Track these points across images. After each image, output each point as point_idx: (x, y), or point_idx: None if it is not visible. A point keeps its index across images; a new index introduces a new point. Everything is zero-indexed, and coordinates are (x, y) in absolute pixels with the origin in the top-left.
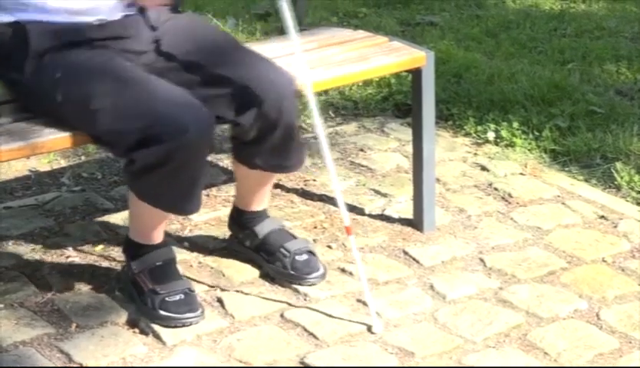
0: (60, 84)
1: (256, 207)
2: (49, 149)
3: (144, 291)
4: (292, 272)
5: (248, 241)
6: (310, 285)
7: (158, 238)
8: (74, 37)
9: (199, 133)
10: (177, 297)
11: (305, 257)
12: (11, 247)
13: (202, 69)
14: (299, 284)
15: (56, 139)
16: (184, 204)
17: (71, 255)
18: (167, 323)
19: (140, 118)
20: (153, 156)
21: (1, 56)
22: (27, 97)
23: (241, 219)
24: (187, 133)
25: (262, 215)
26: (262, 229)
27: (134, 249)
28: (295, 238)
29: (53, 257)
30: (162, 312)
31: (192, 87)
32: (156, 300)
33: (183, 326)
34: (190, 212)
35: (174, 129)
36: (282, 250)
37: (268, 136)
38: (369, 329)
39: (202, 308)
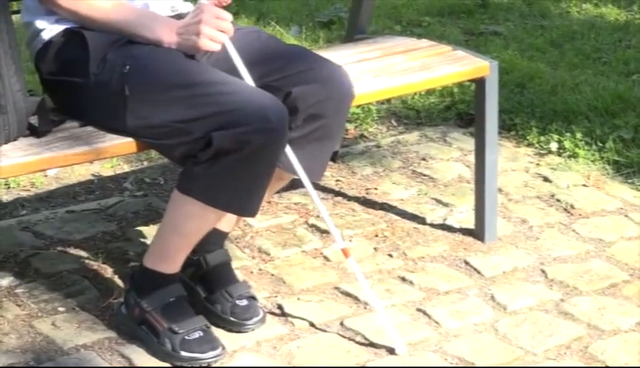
0: (128, 77)
1: (226, 226)
2: (113, 153)
3: (159, 331)
4: (232, 318)
5: (192, 268)
6: (250, 331)
7: (177, 266)
8: None
9: (279, 123)
10: (197, 335)
11: (245, 302)
12: (73, 251)
13: (261, 65)
14: (238, 331)
15: (120, 144)
16: (246, 202)
17: (133, 260)
18: (190, 364)
19: (218, 105)
20: (232, 139)
21: (61, 65)
22: (89, 100)
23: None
24: (269, 121)
25: (222, 239)
26: (214, 258)
27: (145, 283)
28: (236, 278)
29: (115, 261)
30: (184, 353)
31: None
32: (176, 341)
33: (208, 366)
34: (250, 213)
35: (257, 114)
36: (225, 293)
37: (302, 129)
38: (391, 351)
39: (222, 345)
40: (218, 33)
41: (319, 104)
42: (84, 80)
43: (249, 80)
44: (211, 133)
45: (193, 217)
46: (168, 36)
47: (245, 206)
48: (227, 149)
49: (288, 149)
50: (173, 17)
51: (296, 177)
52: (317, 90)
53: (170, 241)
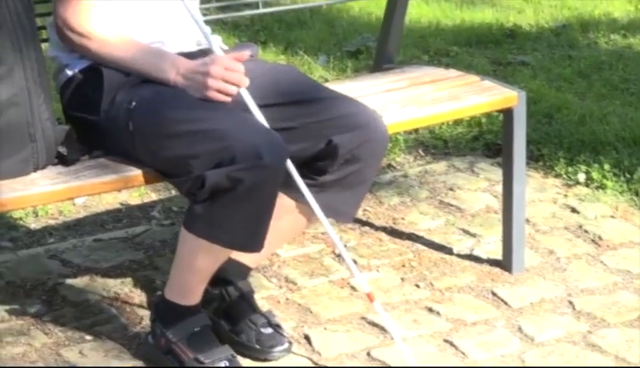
0: (133, 113)
1: (248, 261)
2: (140, 182)
3: (185, 362)
4: (257, 346)
5: (215, 303)
6: (276, 359)
7: (198, 297)
8: None
9: (273, 159)
10: (223, 364)
11: (270, 330)
12: (100, 279)
13: (277, 107)
14: (264, 360)
15: (147, 173)
16: (247, 238)
17: (160, 289)
18: None
19: (213, 141)
20: (224, 177)
21: (78, 101)
22: (102, 136)
23: (224, 269)
24: (262, 158)
25: (245, 272)
26: (236, 290)
27: (168, 314)
28: (259, 308)
29: (142, 290)
30: None
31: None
32: None
33: None
34: (253, 249)
35: (249, 151)
36: (249, 322)
37: (338, 173)
38: None
39: None
40: (226, 85)
41: (356, 149)
42: (96, 117)
43: (260, 117)
44: (207, 170)
45: (201, 253)
46: (174, 76)
47: (247, 243)
48: (221, 187)
49: (307, 192)
50: (197, 52)
51: (329, 218)
52: (355, 137)
53: (184, 276)
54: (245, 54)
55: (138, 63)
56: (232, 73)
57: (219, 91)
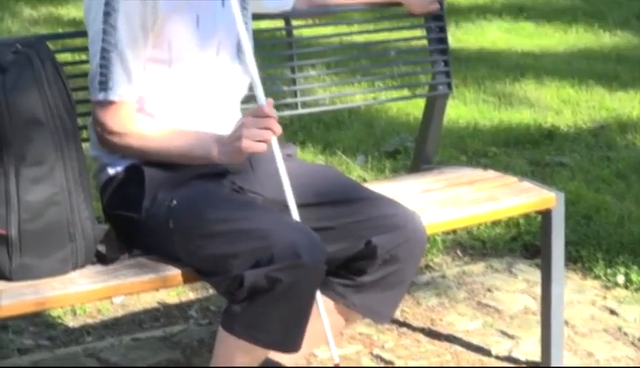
0: (174, 212)
1: (289, 362)
2: (178, 282)
3: None
4: None
5: None
6: None
7: None
8: (189, 173)
9: (311, 259)
10: None
11: None
12: None
13: (316, 206)
14: None
15: (185, 272)
16: (286, 339)
17: None
18: None
19: (252, 240)
20: (263, 277)
21: (119, 200)
22: (142, 234)
23: None
24: (300, 258)
25: None
26: None
27: None
28: None
29: None
30: None
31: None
32: None
33: None
34: (291, 350)
35: (287, 251)
36: None
37: (376, 273)
38: None
39: None
40: (260, 132)
41: (395, 250)
42: (137, 215)
43: (294, 213)
44: (246, 270)
45: (239, 353)
46: (216, 150)
47: (286, 343)
48: (260, 287)
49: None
50: None
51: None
52: (394, 238)
53: None
54: (270, 101)
55: (180, 147)
56: (264, 120)
57: (254, 138)
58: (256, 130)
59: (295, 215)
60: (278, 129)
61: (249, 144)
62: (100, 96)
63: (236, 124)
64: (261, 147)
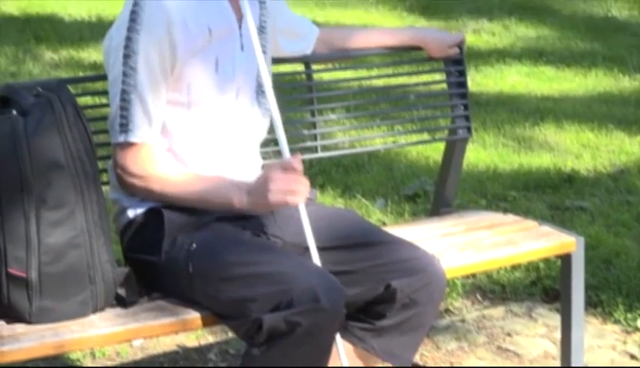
0: (193, 255)
1: None
2: (198, 325)
3: None
4: None
5: None
6: None
7: None
8: (208, 216)
9: (330, 303)
10: None
11: None
12: None
13: (336, 250)
14: None
15: (205, 316)
16: None
17: None
18: None
19: (271, 284)
20: (282, 320)
21: (139, 243)
22: (162, 277)
23: None
24: (319, 302)
25: None
26: None
27: None
28: None
29: None
30: None
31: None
32: None
33: None
34: None
35: (306, 295)
36: None
37: (396, 317)
38: None
39: None
40: (289, 186)
41: (414, 294)
42: (157, 258)
43: (315, 257)
44: (265, 313)
45: None
46: (238, 197)
47: None
48: (279, 331)
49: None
50: None
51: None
52: (414, 281)
53: None
54: (297, 156)
55: (201, 193)
56: (291, 173)
57: (281, 192)
58: (285, 185)
59: (316, 259)
60: (307, 184)
61: (278, 198)
62: (121, 138)
63: (261, 176)
64: (293, 201)
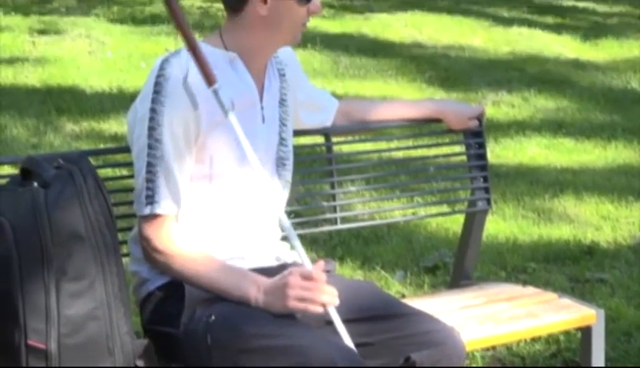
0: (211, 327)
1: None
2: None
3: None
4: None
5: None
6: None
7: None
8: None
9: None
10: None
11: None
12: None
13: (355, 322)
14: None
15: None
16: None
17: None
18: None
19: (290, 357)
20: None
21: (158, 315)
22: (181, 349)
23: None
24: (335, 364)
25: None
26: None
27: None
28: None
29: None
30: None
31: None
32: None
33: None
34: None
35: (323, 361)
36: None
37: None
38: None
39: None
40: (306, 293)
41: (434, 366)
42: (175, 330)
43: (346, 337)
44: None
45: None
46: (255, 295)
47: None
48: None
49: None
50: (277, 267)
51: None
52: (433, 354)
53: None
54: (320, 265)
55: (220, 282)
56: (311, 283)
57: (299, 299)
58: (303, 293)
59: (348, 340)
60: (332, 292)
61: (294, 305)
62: (147, 210)
63: (280, 278)
64: (313, 309)
